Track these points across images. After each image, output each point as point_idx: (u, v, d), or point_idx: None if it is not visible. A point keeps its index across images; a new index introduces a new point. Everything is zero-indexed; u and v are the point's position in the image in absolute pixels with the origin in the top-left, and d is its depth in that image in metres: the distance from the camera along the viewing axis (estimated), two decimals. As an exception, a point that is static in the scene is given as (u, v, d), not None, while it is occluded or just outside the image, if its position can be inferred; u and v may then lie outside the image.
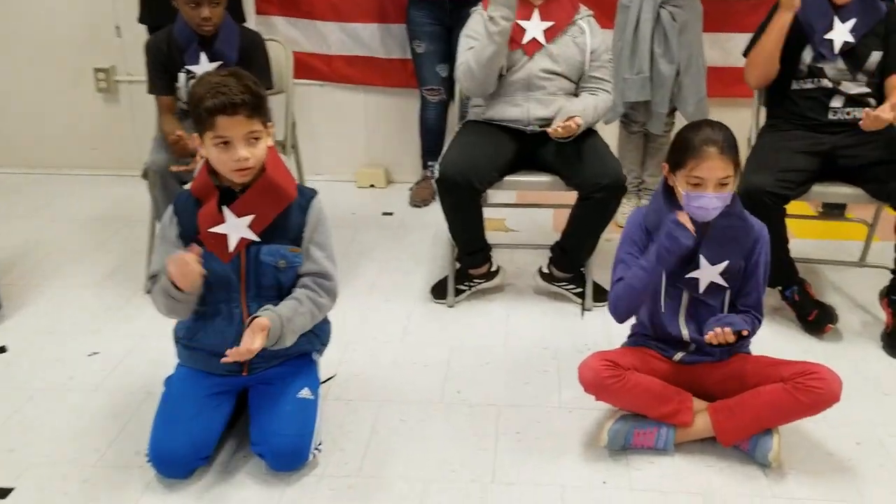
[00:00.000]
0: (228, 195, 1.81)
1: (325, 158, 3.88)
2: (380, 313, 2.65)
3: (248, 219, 1.80)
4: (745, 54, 2.65)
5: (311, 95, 3.77)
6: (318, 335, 2.02)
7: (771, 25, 2.50)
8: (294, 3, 3.60)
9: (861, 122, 2.34)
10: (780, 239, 2.45)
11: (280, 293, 1.87)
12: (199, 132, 1.77)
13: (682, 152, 1.84)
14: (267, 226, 1.82)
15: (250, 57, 2.59)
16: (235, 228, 1.80)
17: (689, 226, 1.83)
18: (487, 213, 3.17)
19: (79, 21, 3.71)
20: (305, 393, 1.93)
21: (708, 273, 1.90)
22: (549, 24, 2.55)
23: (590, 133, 2.61)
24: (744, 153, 2.54)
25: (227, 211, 1.80)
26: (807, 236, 3.19)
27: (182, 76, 2.58)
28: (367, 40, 3.61)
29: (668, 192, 1.93)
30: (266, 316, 1.77)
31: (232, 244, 1.80)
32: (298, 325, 1.84)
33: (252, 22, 3.61)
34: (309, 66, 3.69)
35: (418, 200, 3.59)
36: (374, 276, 2.92)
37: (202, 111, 1.72)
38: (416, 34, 3.37)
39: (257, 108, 1.75)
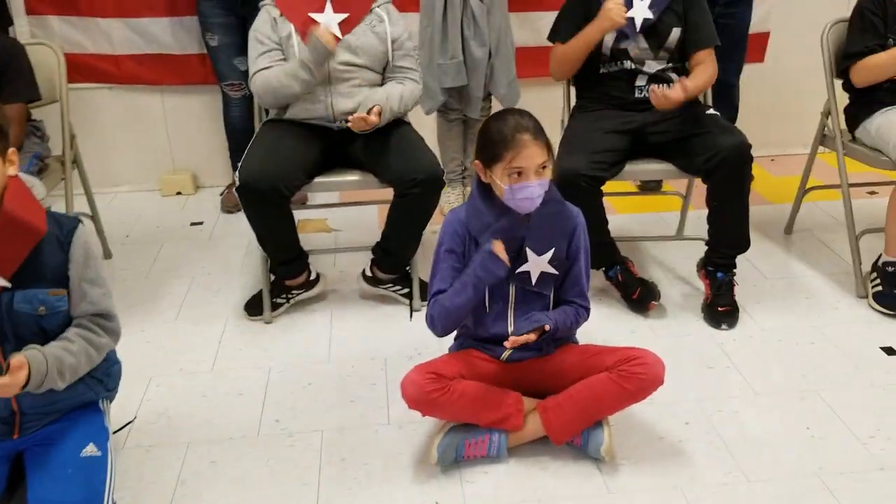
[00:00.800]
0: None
1: (124, 168, 3.54)
2: (187, 339, 2.40)
3: None
4: (550, 40, 2.59)
5: (99, 100, 3.41)
6: (103, 380, 1.75)
7: (585, 35, 2.44)
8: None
9: (652, 99, 2.34)
10: (599, 220, 2.43)
11: (48, 342, 1.60)
12: None
13: (495, 145, 1.74)
14: (16, 269, 1.54)
15: (4, 67, 2.25)
16: (-24, 276, 1.51)
17: (504, 256, 1.75)
18: (308, 213, 2.98)
19: None
20: (90, 449, 1.67)
21: (537, 264, 1.82)
22: (344, 15, 2.37)
23: (399, 124, 2.46)
24: (557, 135, 2.53)
25: None
26: (627, 211, 3.22)
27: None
28: (158, 36, 3.29)
29: (485, 191, 1.82)
30: (25, 354, 1.50)
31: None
32: (70, 365, 1.57)
33: (24, 23, 3.22)
34: (94, 69, 3.33)
35: (230, 206, 3.32)
36: (181, 295, 2.65)
37: None
38: (208, 26, 3.09)
39: None
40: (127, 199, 3.52)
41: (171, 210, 3.41)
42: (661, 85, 2.41)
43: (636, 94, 2.50)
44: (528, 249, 1.81)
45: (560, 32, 2.56)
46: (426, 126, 3.23)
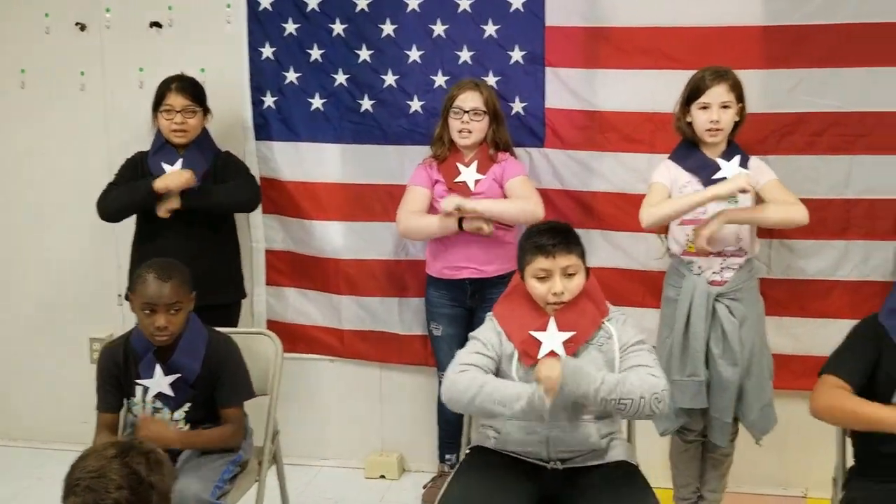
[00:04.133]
0: None
1: (333, 442, 3.43)
2: None
3: None
4: (820, 375, 2.13)
5: (320, 370, 3.39)
6: None
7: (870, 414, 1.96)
8: (308, 275, 3.30)
9: None
10: None
11: None
12: None
13: None
14: None
15: (217, 369, 2.22)
16: None
17: None
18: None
19: (82, 286, 3.50)
20: None
21: None
22: (570, 333, 2.10)
23: (633, 474, 2.09)
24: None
25: None
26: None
27: (139, 390, 2.21)
28: (383, 314, 3.26)
29: None
30: None
31: None
32: None
33: (262, 292, 3.34)
34: (318, 341, 3.34)
35: (430, 502, 3.04)
36: None
37: None
38: (433, 316, 2.99)
39: None
40: (330, 475, 3.38)
41: (372, 496, 3.20)
42: None
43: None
44: None
45: (841, 368, 2.06)
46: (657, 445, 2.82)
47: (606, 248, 3.05)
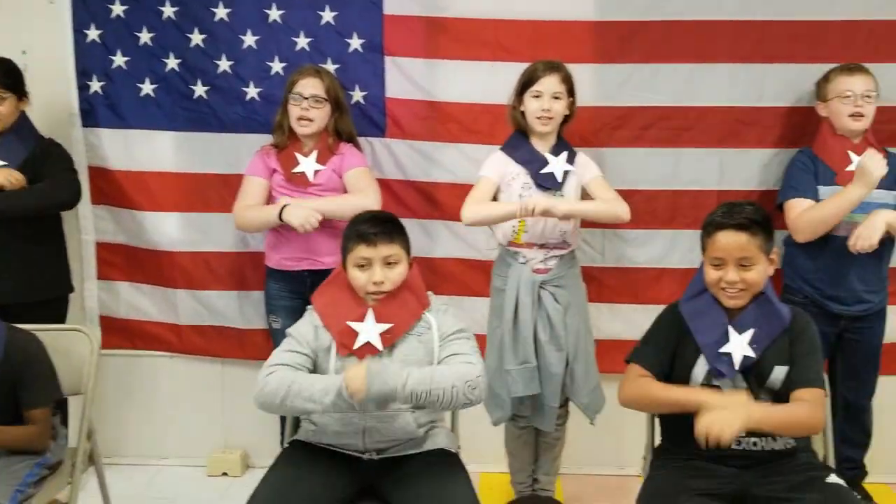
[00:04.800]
0: None
1: (174, 441, 3.32)
2: None
3: None
4: (628, 361, 2.20)
5: (158, 367, 3.26)
6: None
7: (676, 396, 2.04)
8: (142, 268, 3.17)
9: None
10: None
11: None
12: None
13: None
14: None
15: (18, 369, 2.12)
16: None
17: None
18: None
19: None
20: None
21: None
22: (387, 325, 2.07)
23: (455, 465, 2.10)
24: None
25: None
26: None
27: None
28: (222, 309, 3.16)
29: None
30: None
31: None
32: None
33: (93, 286, 3.18)
34: (155, 337, 3.21)
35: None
36: None
37: None
38: (272, 308, 2.91)
39: None
40: (170, 474, 3.26)
41: (213, 494, 3.11)
42: None
43: (734, 445, 2.03)
44: None
45: (643, 357, 2.15)
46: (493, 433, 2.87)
47: (450, 239, 3.07)
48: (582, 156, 2.72)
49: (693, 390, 2.03)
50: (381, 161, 3.02)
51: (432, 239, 3.08)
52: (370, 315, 2.08)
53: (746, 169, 2.96)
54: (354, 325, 2.07)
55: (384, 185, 2.99)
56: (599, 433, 2.85)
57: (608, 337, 3.00)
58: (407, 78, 2.96)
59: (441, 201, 3.03)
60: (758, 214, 2.05)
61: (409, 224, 2.98)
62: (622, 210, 2.63)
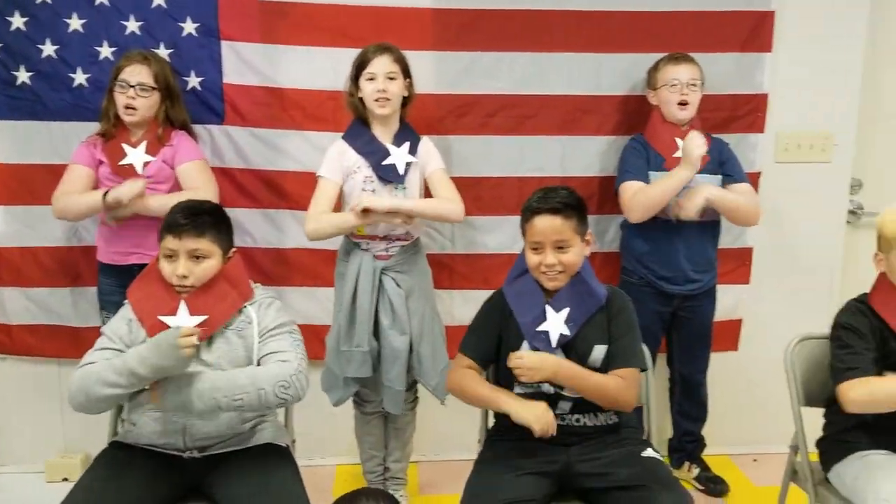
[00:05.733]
0: None
1: (10, 447, 3.15)
2: None
3: None
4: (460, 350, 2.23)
5: (-12, 370, 3.08)
6: None
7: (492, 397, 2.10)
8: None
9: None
10: None
11: None
12: None
13: None
14: None
15: None
16: None
17: None
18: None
19: None
20: None
21: None
22: (202, 317, 2.01)
23: (283, 461, 2.06)
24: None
25: None
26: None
27: None
28: (55, 306, 3.00)
29: None
30: None
31: None
32: None
33: None
34: (-17, 338, 3.02)
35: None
36: None
37: None
38: (104, 304, 2.78)
39: None
40: (6, 482, 3.09)
41: (53, 501, 2.94)
42: None
43: (560, 423, 2.07)
44: None
45: (469, 345, 2.20)
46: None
47: (299, 229, 2.98)
48: (427, 143, 2.72)
49: (498, 394, 2.08)
50: (221, 149, 2.93)
51: (280, 229, 3.02)
52: (182, 308, 2.01)
53: (587, 155, 3.04)
54: (167, 318, 1.99)
55: (226, 173, 2.92)
56: (454, 418, 2.86)
57: (461, 323, 3.00)
58: (245, 63, 2.88)
59: (288, 190, 2.98)
60: (571, 198, 2.10)
61: (254, 214, 2.99)
62: (451, 210, 2.64)
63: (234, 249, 2.12)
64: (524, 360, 1.98)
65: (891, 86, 3.24)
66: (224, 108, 2.91)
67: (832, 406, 2.19)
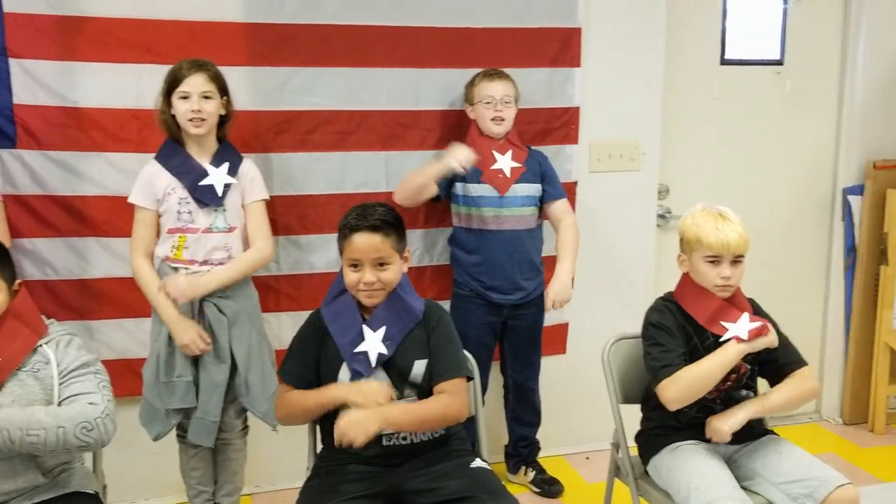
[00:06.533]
0: None
1: None
2: None
3: None
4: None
5: None
6: None
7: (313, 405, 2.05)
8: None
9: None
10: None
11: None
12: None
13: None
14: None
15: None
16: None
17: None
18: None
19: None
20: None
21: None
22: None
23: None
24: None
25: None
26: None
27: None
28: None
29: None
30: None
31: None
32: None
33: None
34: None
35: None
36: None
37: None
38: None
39: None
40: None
41: None
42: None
43: (384, 442, 2.03)
44: None
45: (287, 373, 2.13)
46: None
47: (105, 257, 2.81)
48: (251, 167, 2.62)
49: (327, 389, 2.03)
50: (13, 175, 2.68)
51: (85, 259, 2.80)
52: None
53: (410, 170, 3.04)
54: None
55: (20, 201, 2.69)
56: (286, 445, 2.75)
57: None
58: (38, 82, 2.66)
59: (91, 217, 2.77)
60: (390, 215, 2.08)
61: (55, 244, 2.76)
62: (258, 260, 2.58)
63: (18, 282, 1.93)
64: (345, 420, 1.89)
65: (690, 95, 3.48)
66: (16, 131, 2.67)
67: (647, 402, 2.30)
